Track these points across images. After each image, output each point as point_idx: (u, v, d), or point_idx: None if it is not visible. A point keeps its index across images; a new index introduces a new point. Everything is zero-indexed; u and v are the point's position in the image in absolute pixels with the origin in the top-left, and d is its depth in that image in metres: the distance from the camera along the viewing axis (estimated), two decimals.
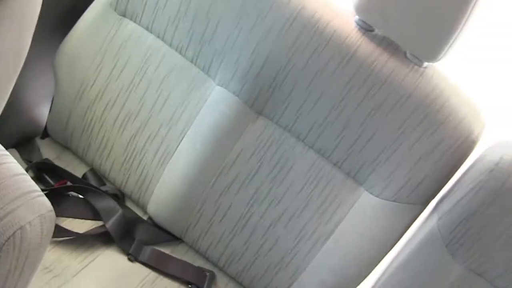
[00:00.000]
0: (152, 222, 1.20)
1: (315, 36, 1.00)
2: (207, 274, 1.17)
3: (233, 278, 1.20)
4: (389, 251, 1.07)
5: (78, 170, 1.23)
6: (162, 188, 1.15)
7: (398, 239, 1.06)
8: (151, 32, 1.13)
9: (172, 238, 1.20)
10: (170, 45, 1.11)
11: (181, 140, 1.12)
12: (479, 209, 0.93)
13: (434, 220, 1.00)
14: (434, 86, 0.98)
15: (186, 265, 1.17)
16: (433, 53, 0.94)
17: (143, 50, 1.13)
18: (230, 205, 1.12)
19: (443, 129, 0.98)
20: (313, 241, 1.09)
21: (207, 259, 1.20)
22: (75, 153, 1.26)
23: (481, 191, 0.93)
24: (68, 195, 1.18)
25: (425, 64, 0.99)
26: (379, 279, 1.08)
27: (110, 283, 1.07)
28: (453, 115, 0.98)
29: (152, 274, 1.13)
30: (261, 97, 1.05)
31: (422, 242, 1.01)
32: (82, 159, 1.25)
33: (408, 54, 1.00)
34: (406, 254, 1.03)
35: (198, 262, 1.20)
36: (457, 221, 0.96)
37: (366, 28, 1.01)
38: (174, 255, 1.18)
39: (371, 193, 1.04)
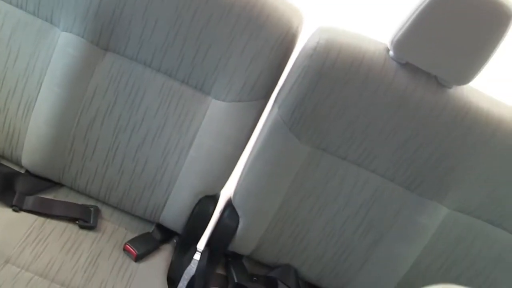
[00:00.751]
0: (29, 174, 1.25)
1: None
2: (91, 209, 1.24)
3: (116, 208, 1.28)
4: (244, 146, 1.19)
5: None
6: (31, 138, 1.20)
7: (250, 134, 1.18)
8: None
9: (52, 184, 1.26)
10: (10, 3, 1.16)
11: (39, 89, 1.18)
12: (308, 92, 1.06)
13: (275, 111, 1.12)
14: None
15: (70, 204, 1.23)
16: None
17: None
18: (98, 138, 1.20)
19: (266, 29, 1.08)
20: (177, 153, 1.19)
21: (88, 195, 1.28)
22: None
23: (306, 75, 1.06)
24: None
25: None
26: (242, 171, 1.20)
27: None
28: (272, 15, 1.08)
29: (40, 219, 1.18)
30: (104, 34, 1.13)
31: (270, 132, 1.13)
32: None
33: None
34: (260, 145, 1.15)
35: (81, 200, 1.27)
36: (293, 107, 1.09)
37: None
38: (57, 199, 1.24)
39: (218, 99, 1.15)
